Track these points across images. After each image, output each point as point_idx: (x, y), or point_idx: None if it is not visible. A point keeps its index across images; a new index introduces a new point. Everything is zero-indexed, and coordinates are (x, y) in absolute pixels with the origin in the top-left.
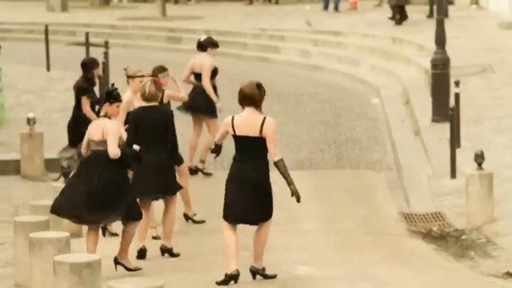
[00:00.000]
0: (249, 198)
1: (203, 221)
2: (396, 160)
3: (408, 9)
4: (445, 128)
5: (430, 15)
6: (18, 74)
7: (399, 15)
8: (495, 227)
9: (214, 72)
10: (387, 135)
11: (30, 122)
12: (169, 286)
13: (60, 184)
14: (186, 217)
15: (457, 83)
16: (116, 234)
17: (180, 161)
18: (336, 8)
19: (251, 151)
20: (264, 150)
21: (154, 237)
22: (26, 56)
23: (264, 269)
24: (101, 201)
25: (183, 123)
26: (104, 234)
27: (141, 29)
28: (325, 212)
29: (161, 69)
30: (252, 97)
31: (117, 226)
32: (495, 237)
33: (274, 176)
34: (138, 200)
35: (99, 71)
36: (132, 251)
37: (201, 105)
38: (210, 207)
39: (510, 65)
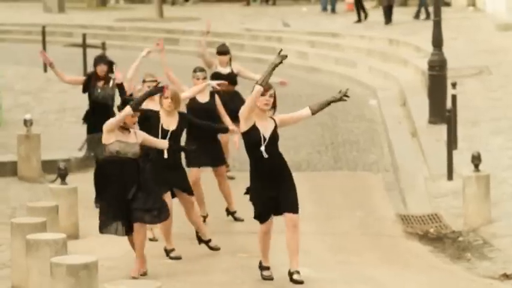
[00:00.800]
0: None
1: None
2: (393, 162)
3: (405, 10)
4: (442, 129)
5: (417, 16)
6: (16, 75)
7: (384, 13)
8: (492, 228)
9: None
10: (384, 136)
11: (27, 123)
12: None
13: (57, 185)
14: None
15: (454, 85)
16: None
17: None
18: (333, 10)
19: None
20: None
21: (150, 239)
22: (23, 57)
23: None
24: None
25: None
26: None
27: (138, 30)
28: (322, 213)
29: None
30: None
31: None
32: (492, 238)
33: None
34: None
35: (102, 68)
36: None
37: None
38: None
39: (507, 67)
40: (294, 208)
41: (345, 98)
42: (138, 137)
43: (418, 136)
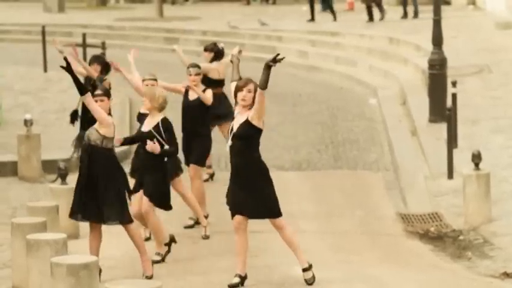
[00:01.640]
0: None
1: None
2: (393, 160)
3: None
4: (442, 128)
5: (404, 16)
6: (15, 75)
7: (367, 12)
8: (492, 227)
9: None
10: (384, 135)
11: (28, 123)
12: (166, 287)
13: (58, 185)
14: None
15: (454, 83)
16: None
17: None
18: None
19: None
20: None
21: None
22: (23, 57)
23: None
24: None
25: None
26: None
27: (138, 29)
28: (322, 212)
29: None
30: None
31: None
32: (492, 237)
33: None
34: None
35: (95, 67)
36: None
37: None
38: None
39: (507, 65)
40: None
41: (278, 60)
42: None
43: (418, 135)
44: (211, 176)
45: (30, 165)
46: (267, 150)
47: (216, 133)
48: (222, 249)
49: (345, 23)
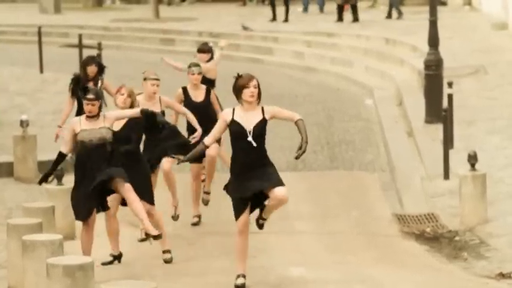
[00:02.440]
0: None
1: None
2: (389, 161)
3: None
4: (438, 129)
5: (389, 16)
6: (11, 76)
7: (337, 12)
8: (488, 228)
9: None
10: (380, 136)
11: (23, 124)
12: None
13: (53, 186)
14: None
15: (450, 84)
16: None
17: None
18: (321, 9)
19: None
20: None
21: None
22: (19, 58)
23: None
24: None
25: None
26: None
27: (134, 30)
28: (318, 213)
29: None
30: None
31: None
32: (488, 238)
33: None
34: None
35: (92, 68)
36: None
37: None
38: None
39: (503, 66)
40: None
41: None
42: (107, 119)
43: (414, 136)
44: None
45: (26, 166)
46: None
47: None
48: (218, 250)
49: (341, 24)
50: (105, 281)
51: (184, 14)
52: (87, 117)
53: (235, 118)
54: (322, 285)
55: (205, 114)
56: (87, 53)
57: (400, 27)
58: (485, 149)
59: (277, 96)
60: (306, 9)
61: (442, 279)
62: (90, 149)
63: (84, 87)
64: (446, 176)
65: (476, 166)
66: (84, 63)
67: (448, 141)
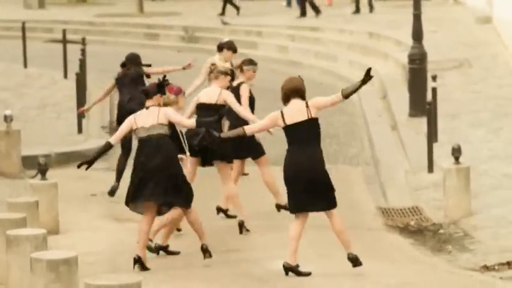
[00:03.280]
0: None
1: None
2: (373, 155)
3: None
4: (422, 122)
5: (357, 11)
6: None
7: (300, 7)
8: (472, 220)
9: None
10: (364, 130)
11: (7, 119)
12: (147, 282)
13: (37, 181)
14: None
15: (434, 78)
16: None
17: None
18: (289, 4)
19: None
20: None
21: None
22: (3, 53)
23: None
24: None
25: None
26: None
27: (119, 25)
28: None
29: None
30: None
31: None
32: (472, 230)
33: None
34: None
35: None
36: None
37: None
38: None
39: (487, 60)
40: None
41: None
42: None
43: (398, 129)
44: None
45: (10, 161)
46: None
47: None
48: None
49: (325, 18)
50: (89, 275)
51: (169, 9)
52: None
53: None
54: (308, 278)
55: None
56: (71, 48)
57: (384, 21)
58: (469, 142)
59: (261, 91)
60: (289, 4)
61: (426, 272)
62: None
63: (165, 81)
64: (430, 169)
65: (460, 159)
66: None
67: (432, 135)
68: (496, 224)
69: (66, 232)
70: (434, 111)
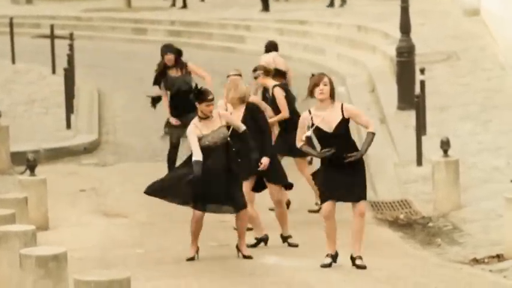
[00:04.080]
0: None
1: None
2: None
3: None
4: (411, 115)
5: (331, 4)
6: None
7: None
8: (462, 213)
9: None
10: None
11: None
12: (136, 277)
13: (26, 177)
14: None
15: (422, 71)
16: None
17: None
18: None
19: None
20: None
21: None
22: None
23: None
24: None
25: None
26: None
27: (106, 20)
28: (291, 200)
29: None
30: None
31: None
32: (462, 223)
33: None
34: None
35: (169, 57)
36: None
37: None
38: None
39: (475, 52)
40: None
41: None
42: (222, 118)
43: (387, 122)
44: None
45: None
46: None
47: None
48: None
49: (313, 12)
50: (79, 271)
51: (156, 4)
52: (203, 118)
53: (314, 122)
54: (297, 272)
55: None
56: (59, 43)
57: (372, 14)
58: (458, 135)
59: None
60: None
61: (415, 265)
62: (214, 150)
63: (197, 90)
64: (419, 162)
65: (449, 152)
66: (161, 54)
67: (420, 128)
68: (486, 217)
69: (56, 228)
70: (422, 104)
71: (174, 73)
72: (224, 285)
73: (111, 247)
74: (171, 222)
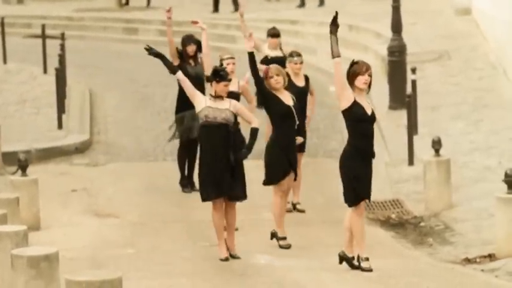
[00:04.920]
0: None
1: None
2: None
3: None
4: (402, 115)
5: (301, 4)
6: None
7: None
8: (453, 213)
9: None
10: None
11: None
12: (128, 277)
13: (18, 177)
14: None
15: (413, 70)
16: None
17: None
18: None
19: None
20: None
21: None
22: None
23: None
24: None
25: None
26: None
27: (98, 20)
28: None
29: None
30: None
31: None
32: (453, 223)
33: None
34: None
35: (192, 47)
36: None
37: None
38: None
39: (466, 52)
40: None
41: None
42: (232, 105)
43: (378, 122)
44: None
45: None
46: None
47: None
48: (183, 238)
49: (304, 11)
50: (71, 272)
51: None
52: (214, 97)
53: (357, 100)
54: (288, 272)
55: (303, 100)
56: (50, 43)
57: (363, 13)
58: (449, 135)
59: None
60: None
61: (407, 265)
62: (212, 128)
63: (216, 70)
64: (410, 161)
65: (441, 151)
66: (183, 44)
67: (412, 127)
68: (477, 217)
69: (47, 228)
70: (414, 103)
71: (190, 64)
72: (216, 285)
73: (103, 247)
74: (163, 222)
